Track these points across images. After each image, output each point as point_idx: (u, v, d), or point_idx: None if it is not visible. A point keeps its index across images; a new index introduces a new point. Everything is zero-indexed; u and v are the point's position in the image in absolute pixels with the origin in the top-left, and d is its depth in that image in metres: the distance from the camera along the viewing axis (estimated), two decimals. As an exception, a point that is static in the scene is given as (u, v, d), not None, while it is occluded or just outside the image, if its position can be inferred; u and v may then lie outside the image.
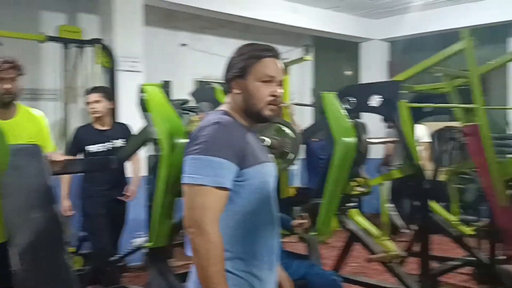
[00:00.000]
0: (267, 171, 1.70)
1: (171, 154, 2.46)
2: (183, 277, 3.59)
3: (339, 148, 3.30)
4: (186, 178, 1.56)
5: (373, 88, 3.75)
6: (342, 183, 3.45)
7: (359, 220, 3.88)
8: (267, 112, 1.68)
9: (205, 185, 1.52)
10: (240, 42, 6.60)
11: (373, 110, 3.78)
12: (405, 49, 8.07)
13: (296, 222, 3.22)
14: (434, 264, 4.51)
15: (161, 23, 6.68)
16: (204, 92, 3.07)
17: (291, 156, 3.29)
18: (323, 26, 7.55)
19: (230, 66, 1.72)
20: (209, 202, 1.52)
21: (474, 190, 5.39)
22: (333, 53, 8.66)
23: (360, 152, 3.44)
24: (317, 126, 3.96)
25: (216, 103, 2.86)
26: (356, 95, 3.69)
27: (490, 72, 7.31)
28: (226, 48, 7.33)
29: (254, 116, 1.69)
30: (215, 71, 6.87)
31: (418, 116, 4.63)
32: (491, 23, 6.98)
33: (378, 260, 3.71)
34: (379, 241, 3.72)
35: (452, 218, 4.62)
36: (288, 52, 7.40)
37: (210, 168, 1.52)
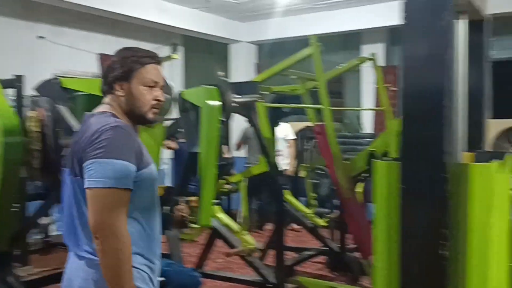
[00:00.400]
0: (154, 171, 1.80)
1: (5, 153, 2.29)
2: (37, 282, 3.41)
3: (205, 112, 3.36)
4: (93, 182, 1.59)
5: (233, 88, 3.87)
6: (214, 151, 3.49)
7: (220, 217, 3.99)
8: (150, 116, 1.77)
9: (113, 188, 1.57)
10: (107, 38, 6.33)
11: (233, 109, 3.91)
12: (271, 52, 8.45)
13: (179, 208, 3.24)
14: (293, 255, 4.83)
15: (17, 14, 6.20)
16: (50, 87, 2.91)
17: (166, 106, 3.30)
18: (192, 26, 7.59)
19: (112, 68, 1.76)
20: (118, 204, 1.58)
21: (327, 185, 5.83)
22: (204, 53, 8.77)
23: (225, 111, 3.55)
24: (179, 123, 3.99)
25: (61, 98, 2.73)
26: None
27: (345, 76, 7.95)
28: (92, 43, 7.09)
29: (137, 119, 1.77)
30: (80, 66, 6.57)
31: (277, 116, 4.90)
32: (346, 31, 7.61)
33: (237, 254, 3.85)
34: (239, 236, 3.87)
35: (307, 211, 4.96)
36: (156, 50, 7.30)
37: (116, 171, 1.58)
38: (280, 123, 6.60)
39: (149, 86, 1.74)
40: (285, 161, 6.79)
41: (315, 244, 5.13)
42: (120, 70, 1.73)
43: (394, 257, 1.24)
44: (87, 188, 1.59)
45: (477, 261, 1.17)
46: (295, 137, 7.01)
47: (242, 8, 7.51)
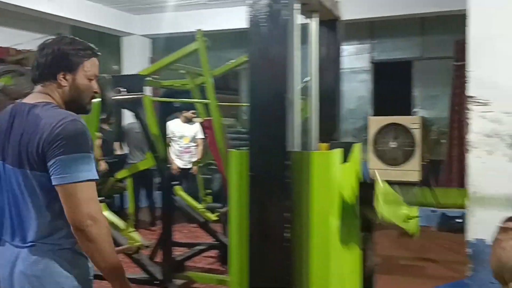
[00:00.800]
0: None
1: None
2: None
3: None
4: (68, 177, 1.62)
5: (117, 81, 3.76)
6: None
7: (105, 215, 3.86)
8: (89, 107, 1.85)
9: (89, 180, 1.65)
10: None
11: (118, 104, 3.81)
12: (166, 46, 8.31)
13: None
14: (185, 250, 4.81)
15: None
16: None
17: None
18: (81, 16, 7.25)
19: (53, 57, 1.74)
20: (93, 194, 1.66)
21: (219, 179, 5.89)
22: (94, 46, 8.42)
23: (106, 107, 3.44)
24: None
25: None
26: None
27: (242, 72, 8.04)
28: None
29: (77, 108, 1.80)
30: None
31: (168, 110, 4.85)
32: (241, 28, 7.71)
33: (122, 252, 3.76)
34: (125, 234, 3.78)
35: (199, 206, 4.97)
36: (41, 40, 6.89)
37: (87, 163, 1.65)
38: (194, 121, 6.61)
39: (90, 79, 1.81)
40: (193, 159, 6.74)
41: (209, 239, 5.16)
42: (65, 60, 1.74)
43: (245, 241, 1.29)
44: (63, 184, 1.62)
45: (318, 244, 1.25)
46: (203, 137, 6.98)
47: (135, 0, 7.33)
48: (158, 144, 3.97)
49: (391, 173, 6.51)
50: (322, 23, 1.66)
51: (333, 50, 1.71)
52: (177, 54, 3.87)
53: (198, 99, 4.30)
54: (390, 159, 7.00)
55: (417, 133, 7.02)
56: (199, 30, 3.75)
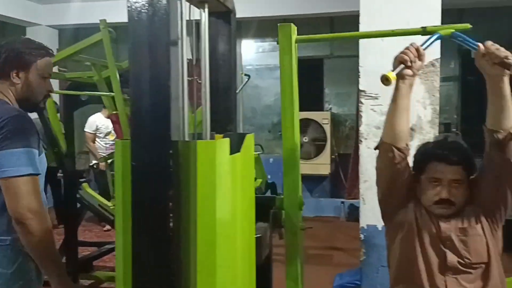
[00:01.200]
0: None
1: None
2: None
3: None
4: (9, 171, 1.66)
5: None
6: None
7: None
8: (42, 105, 1.95)
9: (30, 174, 1.68)
10: None
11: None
12: (75, 38, 7.94)
13: None
14: (93, 250, 4.66)
15: None
16: None
17: None
18: (-19, 4, 6.78)
19: (8, 56, 1.81)
20: (34, 189, 1.70)
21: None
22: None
23: None
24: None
25: None
26: None
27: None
28: None
29: (29, 106, 1.89)
30: None
31: (74, 104, 4.65)
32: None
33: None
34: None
35: (109, 203, 4.81)
36: None
37: (29, 158, 1.68)
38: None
39: (44, 78, 1.87)
40: None
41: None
42: (18, 59, 1.81)
43: (130, 235, 1.28)
44: (4, 177, 1.66)
45: (204, 233, 1.27)
46: None
47: (39, -12, 6.95)
48: (60, 139, 3.80)
49: (303, 167, 6.65)
50: (215, 15, 1.69)
51: (226, 43, 1.73)
52: (80, 45, 3.73)
53: (105, 92, 4.16)
54: (303, 153, 7.21)
55: (327, 128, 7.31)
56: (102, 20, 3.63)
